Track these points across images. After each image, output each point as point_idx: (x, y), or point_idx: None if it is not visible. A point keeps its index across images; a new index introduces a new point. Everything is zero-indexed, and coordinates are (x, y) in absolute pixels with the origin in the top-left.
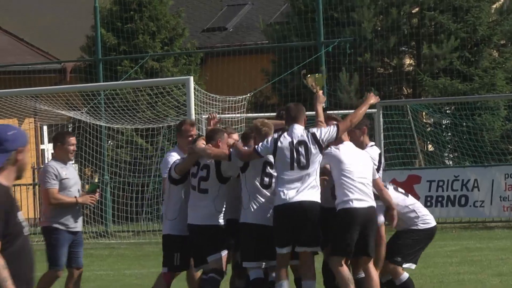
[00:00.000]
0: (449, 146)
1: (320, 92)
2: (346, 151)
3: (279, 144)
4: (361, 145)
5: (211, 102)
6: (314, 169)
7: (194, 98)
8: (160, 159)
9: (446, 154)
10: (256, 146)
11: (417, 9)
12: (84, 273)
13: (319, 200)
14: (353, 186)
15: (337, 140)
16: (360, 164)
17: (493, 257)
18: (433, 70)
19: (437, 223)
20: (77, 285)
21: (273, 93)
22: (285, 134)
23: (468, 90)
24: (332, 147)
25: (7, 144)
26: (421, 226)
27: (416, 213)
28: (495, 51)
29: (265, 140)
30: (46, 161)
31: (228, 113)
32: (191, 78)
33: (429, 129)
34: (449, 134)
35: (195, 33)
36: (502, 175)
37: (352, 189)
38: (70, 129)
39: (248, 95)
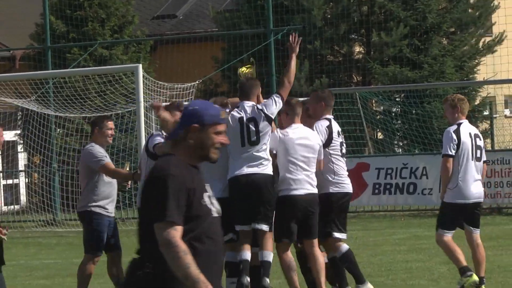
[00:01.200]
0: (398, 134)
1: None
2: (294, 137)
3: (229, 120)
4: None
5: (159, 89)
6: (264, 143)
7: (143, 85)
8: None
9: (395, 142)
10: None
11: None
12: (32, 261)
13: (271, 173)
14: (295, 174)
15: (287, 121)
16: (305, 152)
17: None
18: (382, 58)
19: (386, 211)
20: (119, 268)
21: (223, 81)
22: (237, 110)
23: (417, 78)
24: (279, 131)
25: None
26: (334, 189)
27: (331, 178)
28: (444, 38)
29: None
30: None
31: (176, 100)
32: (140, 66)
33: (378, 117)
34: (399, 122)
35: (145, 21)
36: None
37: (294, 178)
38: (18, 117)
39: (197, 82)
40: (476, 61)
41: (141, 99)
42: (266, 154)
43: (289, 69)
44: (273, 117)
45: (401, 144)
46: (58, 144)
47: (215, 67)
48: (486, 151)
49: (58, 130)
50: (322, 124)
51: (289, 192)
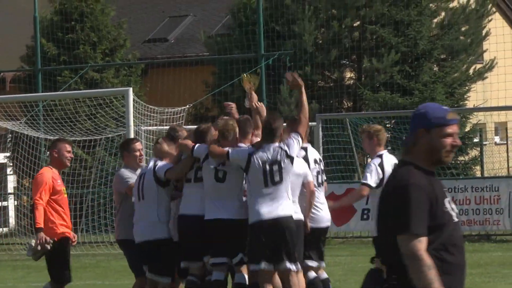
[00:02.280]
0: None
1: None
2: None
3: (252, 161)
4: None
5: (150, 113)
6: (287, 183)
7: (133, 109)
8: (98, 170)
9: None
10: (229, 151)
11: (358, 22)
12: (20, 284)
13: (293, 213)
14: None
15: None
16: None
17: None
18: (373, 84)
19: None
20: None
21: (214, 105)
22: (260, 152)
23: (408, 104)
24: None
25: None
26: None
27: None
28: (435, 65)
29: (240, 150)
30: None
31: (166, 125)
32: (130, 89)
33: None
34: (389, 148)
35: (136, 44)
36: None
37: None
38: (8, 140)
39: (187, 106)
40: (467, 87)
41: (131, 123)
42: (289, 194)
43: (301, 105)
44: (295, 157)
45: None
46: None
47: (205, 91)
48: (475, 178)
49: (48, 153)
50: (300, 155)
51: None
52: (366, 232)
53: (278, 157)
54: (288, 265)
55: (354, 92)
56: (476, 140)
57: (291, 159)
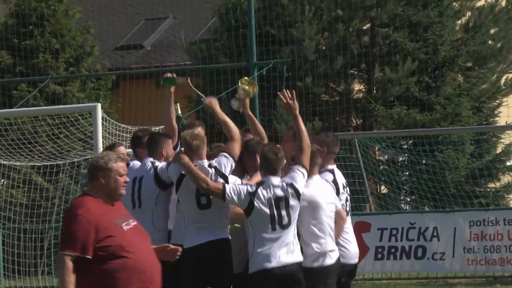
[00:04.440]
0: (405, 187)
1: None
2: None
3: (255, 201)
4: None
5: (121, 133)
6: (295, 225)
7: (102, 129)
8: (62, 201)
9: (401, 197)
10: (225, 190)
11: (368, 25)
12: None
13: (302, 259)
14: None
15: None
16: None
17: None
18: (386, 98)
19: (390, 279)
20: None
21: (198, 124)
22: (261, 189)
23: (427, 122)
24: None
25: None
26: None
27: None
28: (460, 75)
29: (238, 188)
30: None
31: None
32: (99, 105)
33: (381, 167)
34: (406, 173)
35: (106, 52)
36: (466, 223)
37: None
38: None
39: None
40: (497, 101)
41: (100, 144)
42: (296, 238)
43: (300, 132)
44: (301, 192)
45: (408, 200)
46: (2, 197)
47: (188, 108)
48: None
49: (2, 180)
50: (328, 178)
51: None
52: (380, 274)
53: (284, 193)
54: None
55: (363, 108)
56: (508, 163)
57: (298, 195)
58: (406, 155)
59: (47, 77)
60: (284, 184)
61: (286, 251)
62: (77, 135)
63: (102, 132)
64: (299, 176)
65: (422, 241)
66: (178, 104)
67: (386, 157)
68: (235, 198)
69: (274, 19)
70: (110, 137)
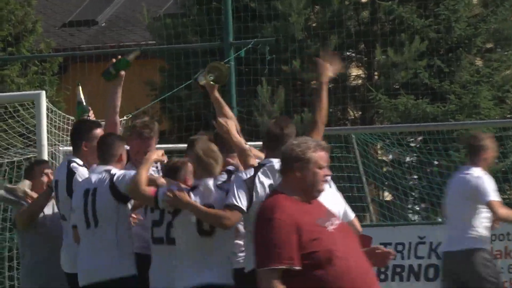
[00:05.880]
0: (413, 194)
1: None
2: None
3: (254, 197)
4: None
5: (70, 128)
6: None
7: (48, 121)
8: (0, 209)
9: (409, 206)
10: (235, 202)
11: None
12: None
13: None
14: None
15: None
16: None
17: None
18: (390, 85)
19: None
20: None
21: (163, 116)
22: (260, 175)
23: (440, 114)
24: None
25: None
26: None
27: None
28: (478, 58)
29: (238, 190)
30: None
31: None
32: (43, 93)
33: (385, 169)
34: (414, 176)
35: (52, 29)
36: None
37: None
38: None
39: (125, 117)
40: None
41: (45, 141)
42: None
43: (321, 104)
44: None
45: (417, 208)
46: None
47: (151, 96)
48: None
49: None
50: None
51: None
52: None
53: None
54: None
55: (362, 97)
56: None
57: None
58: (415, 154)
59: None
60: None
61: None
62: (17, 130)
63: (47, 126)
64: None
65: (434, 259)
66: (80, 86)
67: (390, 156)
68: (241, 204)
69: None
70: (57, 131)
